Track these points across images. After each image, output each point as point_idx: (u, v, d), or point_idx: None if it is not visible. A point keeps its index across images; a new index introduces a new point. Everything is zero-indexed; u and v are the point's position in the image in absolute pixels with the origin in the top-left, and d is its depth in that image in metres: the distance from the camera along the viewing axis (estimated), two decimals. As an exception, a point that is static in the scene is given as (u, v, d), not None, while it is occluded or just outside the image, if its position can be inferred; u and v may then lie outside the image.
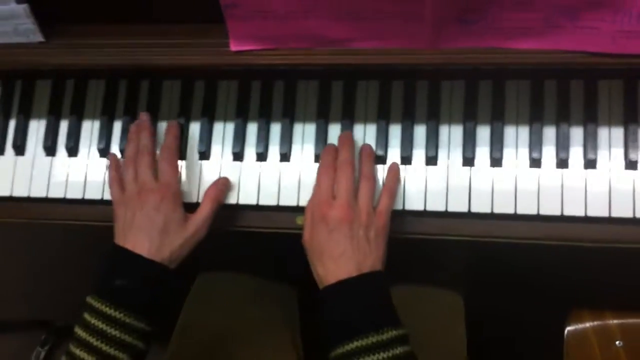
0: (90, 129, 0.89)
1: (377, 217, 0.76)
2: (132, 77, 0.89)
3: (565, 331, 0.96)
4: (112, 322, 0.72)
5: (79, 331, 0.73)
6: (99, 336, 0.72)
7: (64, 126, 0.90)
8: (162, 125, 0.87)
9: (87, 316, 0.73)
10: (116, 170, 0.84)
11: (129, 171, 0.81)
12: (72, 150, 0.89)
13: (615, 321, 0.95)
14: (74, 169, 0.88)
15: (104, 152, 0.88)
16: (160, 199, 0.78)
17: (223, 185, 0.84)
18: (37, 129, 0.90)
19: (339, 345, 0.69)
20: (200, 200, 0.84)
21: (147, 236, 0.76)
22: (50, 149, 0.89)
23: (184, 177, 0.86)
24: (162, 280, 0.77)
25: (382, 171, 0.82)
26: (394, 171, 0.81)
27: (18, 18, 0.78)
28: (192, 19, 0.76)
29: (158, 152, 0.84)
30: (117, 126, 0.89)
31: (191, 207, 0.82)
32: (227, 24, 0.73)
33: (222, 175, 0.85)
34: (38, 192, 0.89)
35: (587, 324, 0.96)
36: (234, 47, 0.75)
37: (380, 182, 0.81)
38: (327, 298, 0.72)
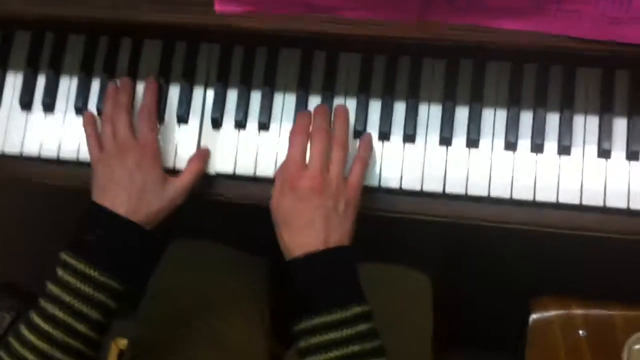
0: (67, 85, 0.88)
1: (347, 188, 0.74)
2: (113, 33, 0.88)
3: (530, 319, 0.97)
4: (86, 279, 0.72)
5: (52, 287, 0.72)
6: (72, 292, 0.71)
7: (41, 80, 0.88)
8: (142, 86, 0.86)
9: (60, 272, 0.72)
10: (93, 127, 0.83)
11: (107, 129, 0.80)
12: (49, 107, 0.87)
13: (579, 311, 0.96)
14: (49, 127, 0.87)
15: (81, 110, 0.87)
16: (140, 157, 0.77)
17: (206, 155, 0.83)
18: (14, 81, 0.89)
19: (303, 320, 0.69)
20: (176, 166, 0.84)
21: (125, 193, 0.76)
22: (26, 105, 0.88)
23: (161, 141, 0.85)
24: (138, 240, 0.76)
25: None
26: (366, 141, 0.80)
27: (0, -35, 0.77)
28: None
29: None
30: (95, 84, 0.87)
31: (167, 173, 0.81)
32: (212, -15, 0.73)
33: (200, 141, 0.84)
34: (12, 148, 0.87)
35: (552, 313, 0.97)
36: (218, 8, 0.74)
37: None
38: (293, 271, 0.72)
